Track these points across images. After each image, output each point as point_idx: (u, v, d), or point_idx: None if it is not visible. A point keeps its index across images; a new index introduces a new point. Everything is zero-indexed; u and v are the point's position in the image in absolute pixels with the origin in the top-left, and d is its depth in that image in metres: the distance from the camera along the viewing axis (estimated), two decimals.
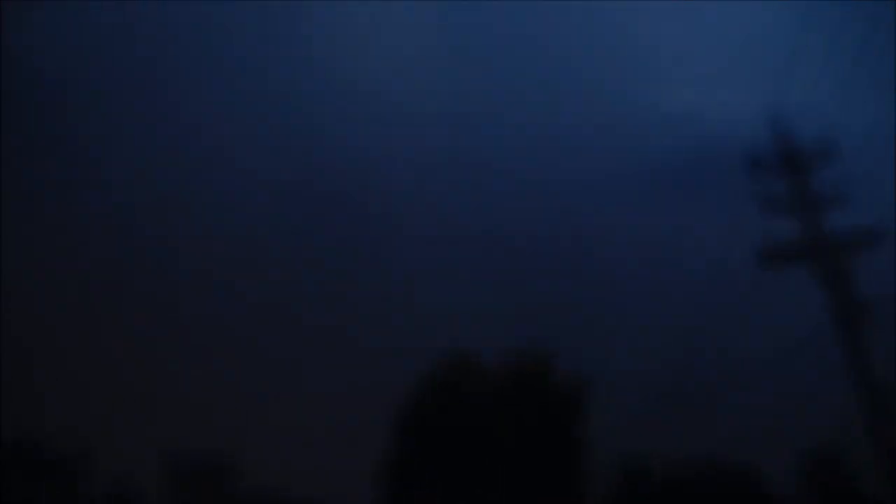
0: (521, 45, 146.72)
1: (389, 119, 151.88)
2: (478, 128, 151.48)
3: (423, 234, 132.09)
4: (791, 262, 14.94)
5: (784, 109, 16.39)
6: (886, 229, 14.60)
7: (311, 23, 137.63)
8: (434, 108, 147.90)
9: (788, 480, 35.59)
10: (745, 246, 16.56)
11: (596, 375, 38.91)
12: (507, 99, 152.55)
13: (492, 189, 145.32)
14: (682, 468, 37.90)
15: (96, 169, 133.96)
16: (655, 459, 38.67)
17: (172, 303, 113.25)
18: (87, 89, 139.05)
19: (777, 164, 15.86)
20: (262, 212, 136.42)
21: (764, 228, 15.85)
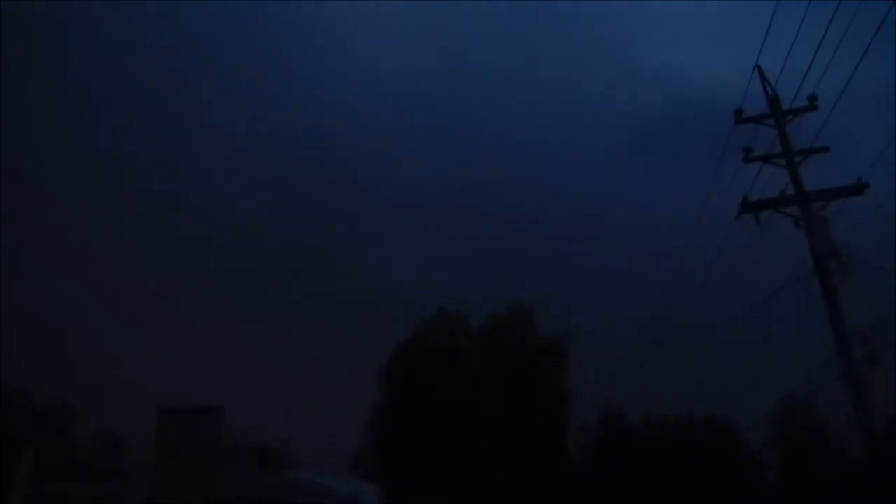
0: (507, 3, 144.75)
1: (378, 77, 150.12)
2: (461, 87, 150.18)
3: (409, 194, 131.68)
4: (772, 210, 15.33)
5: (769, 64, 16.62)
6: (866, 181, 14.95)
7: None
8: (420, 69, 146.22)
9: (761, 429, 36.53)
10: (728, 200, 16.93)
11: (578, 329, 39.60)
12: (491, 58, 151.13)
13: (475, 147, 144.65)
14: (661, 419, 38.85)
15: (92, 124, 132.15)
16: (635, 410, 39.60)
17: (161, 259, 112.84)
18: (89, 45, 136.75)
19: (761, 115, 16.22)
20: (255, 174, 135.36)
21: (745, 182, 16.23)
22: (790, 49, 15.15)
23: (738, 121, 16.73)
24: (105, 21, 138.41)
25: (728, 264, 19.79)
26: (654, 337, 31.50)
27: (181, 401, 38.88)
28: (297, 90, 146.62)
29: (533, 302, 39.97)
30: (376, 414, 38.56)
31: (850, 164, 15.75)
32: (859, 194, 14.87)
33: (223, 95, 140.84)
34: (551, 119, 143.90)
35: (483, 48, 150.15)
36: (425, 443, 35.04)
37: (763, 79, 16.39)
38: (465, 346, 38.43)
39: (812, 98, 15.87)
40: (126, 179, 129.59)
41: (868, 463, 14.73)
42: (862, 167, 15.00)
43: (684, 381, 34.17)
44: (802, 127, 16.06)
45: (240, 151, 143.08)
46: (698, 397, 36.00)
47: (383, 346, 39.57)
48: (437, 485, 34.69)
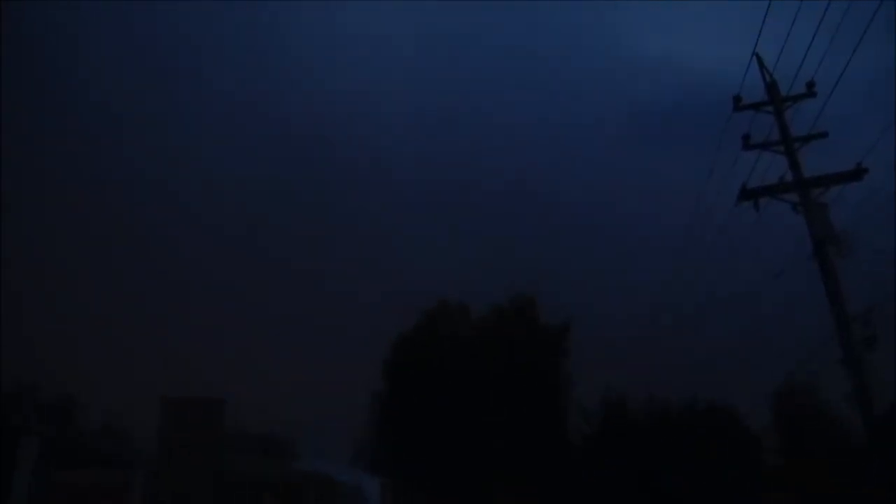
0: None
1: (378, 67, 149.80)
2: (461, 75, 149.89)
3: (410, 185, 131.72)
4: (770, 196, 15.43)
5: (767, 50, 16.68)
6: (865, 166, 15.00)
7: None
8: (421, 63, 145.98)
9: (762, 412, 36.75)
10: (726, 187, 17.03)
11: (580, 315, 39.76)
12: (489, 45, 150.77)
13: (475, 137, 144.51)
14: (663, 405, 39.04)
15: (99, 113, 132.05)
16: (636, 395, 39.82)
17: (163, 252, 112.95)
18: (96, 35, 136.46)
19: (759, 102, 16.31)
20: (257, 167, 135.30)
21: (745, 168, 16.32)
22: (787, 36, 15.24)
23: (736, 108, 16.80)
24: (107, 19, 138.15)
25: (727, 251, 19.96)
26: (655, 322, 31.73)
27: (185, 392, 39.17)
28: (298, 85, 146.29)
29: (534, 292, 40.15)
30: (378, 404, 38.74)
31: (849, 149, 15.83)
32: (858, 180, 14.93)
33: (224, 88, 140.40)
34: (551, 108, 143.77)
35: (482, 37, 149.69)
36: (427, 433, 35.22)
37: (761, 66, 16.46)
38: (466, 336, 38.57)
39: (810, 84, 15.91)
40: (126, 174, 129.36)
41: (868, 446, 14.84)
42: (862, 151, 15.04)
43: (684, 364, 34.40)
44: (801, 113, 16.17)
45: (242, 145, 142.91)
46: (698, 381, 36.19)
47: (385, 338, 39.76)
48: (439, 475, 34.92)
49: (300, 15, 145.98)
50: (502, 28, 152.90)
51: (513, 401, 35.33)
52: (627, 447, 35.93)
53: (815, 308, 15.13)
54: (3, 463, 24.57)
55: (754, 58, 16.57)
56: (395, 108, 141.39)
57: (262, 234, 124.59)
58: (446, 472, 34.86)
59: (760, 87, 16.61)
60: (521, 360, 36.47)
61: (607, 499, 34.66)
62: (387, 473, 39.65)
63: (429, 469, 35.45)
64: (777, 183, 15.37)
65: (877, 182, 15.38)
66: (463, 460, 34.27)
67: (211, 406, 37.24)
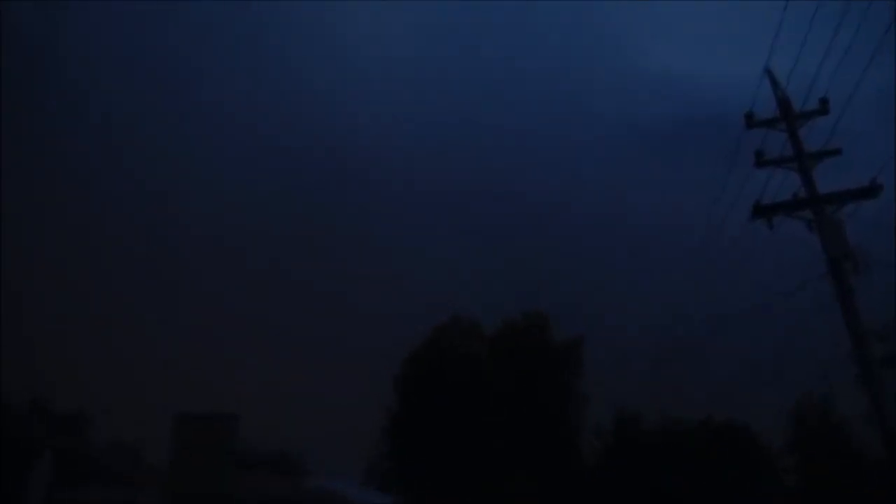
0: (512, 5, 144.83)
1: (383, 80, 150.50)
2: (469, 89, 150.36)
3: (423, 199, 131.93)
4: (784, 213, 15.27)
5: (778, 67, 16.59)
6: (880, 183, 14.84)
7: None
8: (427, 74, 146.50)
9: (777, 430, 36.34)
10: (740, 204, 16.88)
11: (591, 332, 39.54)
12: (497, 61, 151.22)
13: (487, 154, 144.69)
14: (676, 422, 38.68)
15: (94, 122, 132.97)
16: (649, 414, 39.48)
17: (175, 266, 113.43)
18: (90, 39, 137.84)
19: (772, 118, 16.18)
20: (267, 179, 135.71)
21: (756, 184, 16.17)
22: (800, 51, 15.15)
23: (748, 125, 16.66)
24: (106, 22, 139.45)
25: (740, 267, 19.79)
26: (667, 339, 31.51)
27: (197, 407, 39.12)
28: (306, 93, 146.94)
29: (547, 308, 39.98)
30: (390, 420, 38.52)
31: (863, 164, 15.63)
32: (874, 196, 14.74)
33: (230, 96, 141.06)
34: (562, 125, 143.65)
35: (491, 53, 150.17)
36: (439, 449, 35.00)
37: (773, 82, 16.35)
38: (479, 351, 38.40)
39: (823, 101, 15.78)
40: (136, 183, 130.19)
41: (888, 464, 14.61)
42: (877, 167, 14.83)
43: (697, 382, 34.08)
44: (814, 130, 16.02)
45: (251, 157, 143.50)
46: (712, 398, 35.85)
47: (397, 353, 39.60)
48: (451, 492, 34.66)
49: (303, 18, 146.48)
50: (511, 44, 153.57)
51: (525, 417, 35.10)
52: (641, 465, 35.58)
53: (832, 325, 14.93)
54: (17, 478, 24.57)
55: (766, 74, 16.50)
56: (405, 118, 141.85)
57: (272, 246, 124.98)
58: (459, 489, 34.60)
59: (771, 100, 16.50)
60: (534, 376, 36.26)
61: None
62: (399, 491, 39.32)
63: (442, 486, 35.19)
64: (791, 200, 15.20)
65: (891, 197, 15.20)
66: (475, 476, 34.02)
67: (225, 422, 37.13)
